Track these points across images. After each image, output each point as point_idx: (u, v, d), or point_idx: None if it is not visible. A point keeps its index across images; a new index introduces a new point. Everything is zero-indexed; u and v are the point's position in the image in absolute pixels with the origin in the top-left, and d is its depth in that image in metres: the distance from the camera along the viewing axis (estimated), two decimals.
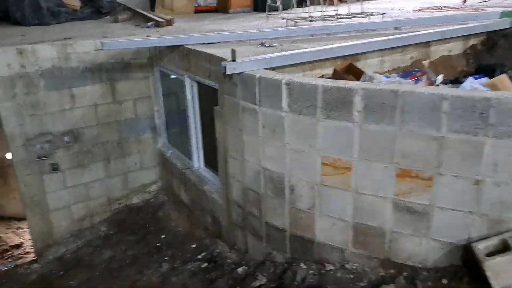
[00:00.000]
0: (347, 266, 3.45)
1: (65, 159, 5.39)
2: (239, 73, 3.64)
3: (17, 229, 8.79)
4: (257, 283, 3.76)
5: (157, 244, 5.12)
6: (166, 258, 4.75)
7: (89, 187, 5.66)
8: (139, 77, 5.67)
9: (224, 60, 3.68)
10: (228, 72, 3.61)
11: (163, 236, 5.26)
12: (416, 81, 4.22)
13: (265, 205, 3.81)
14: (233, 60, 3.58)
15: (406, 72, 4.56)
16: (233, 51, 3.58)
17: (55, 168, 5.31)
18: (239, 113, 3.76)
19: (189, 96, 4.93)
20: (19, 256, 7.44)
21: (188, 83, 4.87)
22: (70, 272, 4.95)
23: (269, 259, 3.96)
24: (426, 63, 4.78)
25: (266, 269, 3.88)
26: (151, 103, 5.86)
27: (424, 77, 4.33)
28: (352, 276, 3.38)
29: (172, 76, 5.27)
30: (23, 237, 8.24)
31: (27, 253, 7.32)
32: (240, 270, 4.04)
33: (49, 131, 5.23)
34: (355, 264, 3.43)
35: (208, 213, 4.83)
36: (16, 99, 4.94)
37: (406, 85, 3.29)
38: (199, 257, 4.59)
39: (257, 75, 3.49)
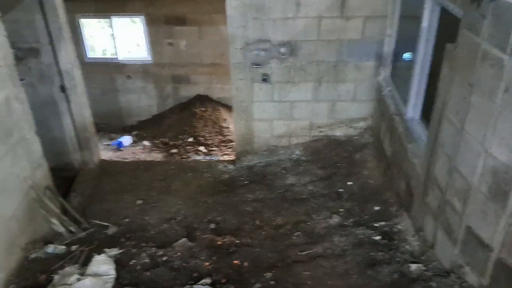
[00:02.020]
0: None
1: (277, 72, 5.11)
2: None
3: None
4: None
5: (340, 190, 4.51)
6: (340, 210, 4.13)
7: (294, 106, 5.32)
8: None
9: None
10: None
11: (349, 183, 4.59)
12: None
13: (472, 202, 2.61)
14: None
15: None
16: None
17: (265, 79, 5.12)
18: (476, 59, 2.49)
19: (425, 24, 3.71)
20: None
21: (428, 5, 3.62)
22: (252, 185, 4.94)
23: (457, 273, 2.83)
24: None
25: (448, 284, 2.81)
26: (383, 24, 4.81)
27: None
28: None
29: None
30: None
31: None
32: (413, 267, 3.08)
33: (268, 39, 4.96)
34: None
35: (404, 178, 3.83)
36: None
37: None
38: (375, 224, 3.77)
39: None
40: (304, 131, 5.46)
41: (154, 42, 9.12)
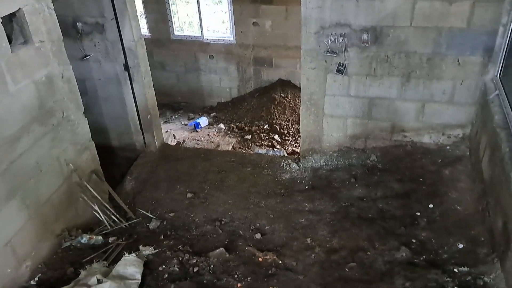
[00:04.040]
0: None
1: (355, 62, 4.33)
2: None
3: None
4: None
5: (417, 213, 3.67)
6: (413, 241, 3.33)
7: (374, 104, 4.50)
8: None
9: None
10: None
11: (430, 206, 3.72)
12: None
13: None
14: None
15: None
16: None
17: (340, 70, 4.37)
18: None
19: None
20: None
21: None
22: (312, 192, 4.30)
23: None
24: None
25: None
26: (498, 10, 3.74)
27: None
28: None
29: None
30: None
31: None
32: None
33: (348, 23, 4.19)
34: None
35: (501, 214, 2.90)
36: None
37: None
38: (454, 269, 2.93)
39: None
40: (384, 133, 4.62)
41: (238, 21, 8.69)
